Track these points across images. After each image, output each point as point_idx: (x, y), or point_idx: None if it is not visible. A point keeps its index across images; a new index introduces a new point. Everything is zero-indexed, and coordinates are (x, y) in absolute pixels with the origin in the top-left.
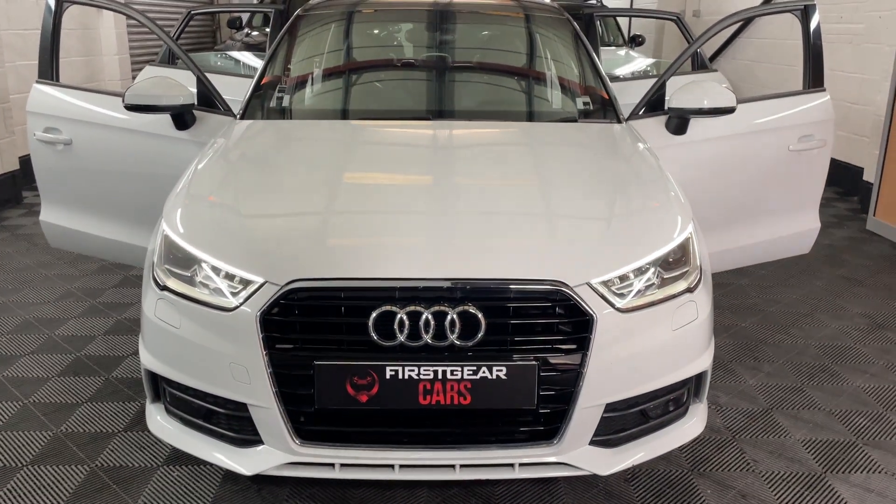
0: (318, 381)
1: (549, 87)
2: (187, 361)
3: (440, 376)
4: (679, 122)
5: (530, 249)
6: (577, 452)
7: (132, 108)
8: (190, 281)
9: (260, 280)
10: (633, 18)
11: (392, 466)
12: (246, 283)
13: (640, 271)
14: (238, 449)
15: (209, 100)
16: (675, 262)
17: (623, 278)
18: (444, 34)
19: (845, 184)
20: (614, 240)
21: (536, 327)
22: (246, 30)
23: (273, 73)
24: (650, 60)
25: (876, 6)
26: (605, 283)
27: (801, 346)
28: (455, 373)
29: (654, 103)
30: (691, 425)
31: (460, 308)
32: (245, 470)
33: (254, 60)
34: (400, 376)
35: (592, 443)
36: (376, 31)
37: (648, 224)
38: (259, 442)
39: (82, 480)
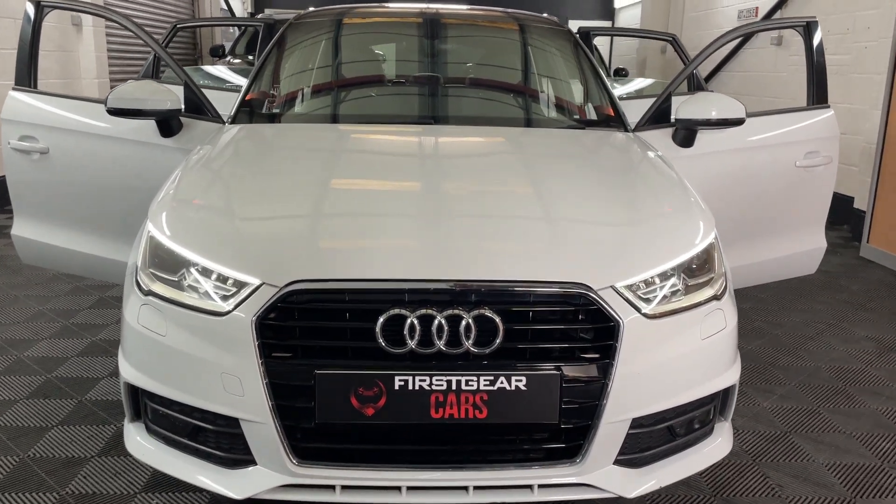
0: (319, 393)
1: (553, 95)
2: (173, 373)
3: (454, 387)
4: (686, 135)
5: (550, 251)
6: (601, 473)
7: (115, 112)
8: (177, 285)
9: (256, 282)
10: (613, 52)
11: (399, 489)
12: (240, 285)
13: (665, 276)
14: (227, 470)
15: (197, 107)
16: (699, 268)
17: (648, 283)
18: (438, 45)
19: (835, 213)
20: (637, 243)
21: (557, 334)
22: (228, 57)
23: (263, 80)
24: (648, 81)
25: (861, 37)
26: (630, 288)
27: (812, 368)
28: (471, 383)
29: (658, 117)
30: (718, 445)
31: (476, 312)
32: (235, 494)
33: (238, 78)
34: (410, 387)
35: (617, 462)
36: (369, 41)
37: (671, 228)
38: (251, 462)
39: None
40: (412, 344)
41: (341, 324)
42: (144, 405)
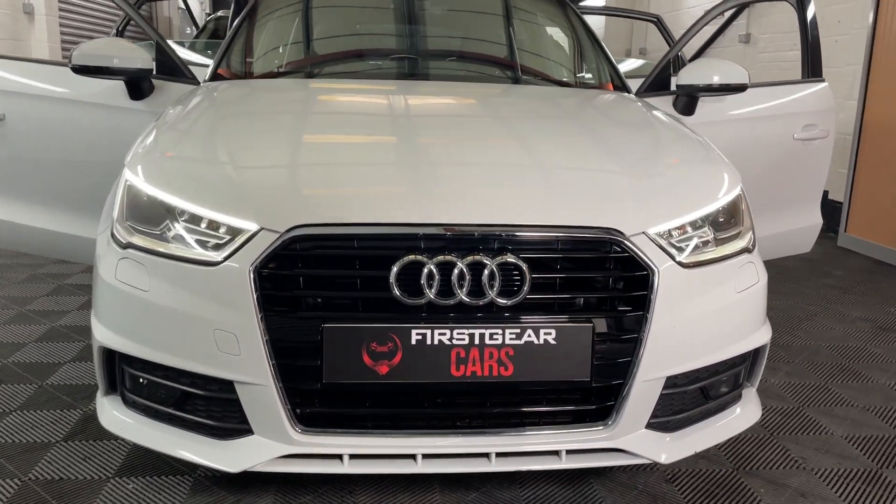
0: (327, 349)
1: (554, 55)
2: (157, 332)
3: (476, 341)
4: (687, 102)
5: (578, 195)
6: (634, 437)
7: (81, 70)
8: (160, 238)
9: (253, 227)
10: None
11: (413, 457)
12: (235, 232)
13: (696, 225)
14: (219, 442)
15: (169, 69)
16: (727, 222)
17: (680, 231)
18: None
19: None
20: (666, 190)
21: (587, 284)
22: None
23: (240, 40)
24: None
25: (831, 31)
26: (662, 235)
27: (813, 347)
28: (495, 337)
29: (657, 85)
30: (748, 411)
31: (501, 259)
32: (229, 467)
33: (202, 59)
34: (428, 341)
35: (649, 426)
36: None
37: (698, 178)
38: (247, 431)
39: (12, 496)
40: (431, 294)
41: (351, 273)
42: (122, 373)
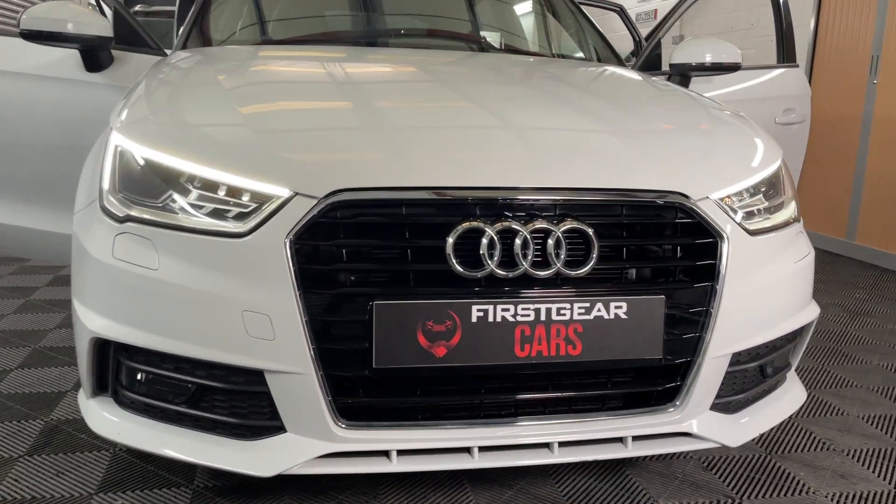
0: (378, 330)
1: (552, 30)
2: (170, 317)
3: (543, 317)
4: (680, 81)
5: (639, 156)
6: (701, 420)
7: (30, 35)
8: (165, 209)
9: (285, 193)
10: None
11: (468, 450)
12: (262, 198)
13: (752, 192)
14: (244, 443)
15: (129, 38)
16: (774, 191)
17: (739, 197)
18: None
19: None
20: (722, 154)
21: (652, 252)
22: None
23: (214, 6)
24: None
25: (765, 31)
26: (725, 201)
27: None
28: (563, 312)
29: (647, 66)
30: (796, 390)
31: (567, 225)
32: (260, 471)
33: None
34: (490, 318)
35: (714, 407)
36: None
37: (745, 145)
38: (278, 429)
39: None
40: (492, 265)
41: (399, 243)
42: (117, 368)
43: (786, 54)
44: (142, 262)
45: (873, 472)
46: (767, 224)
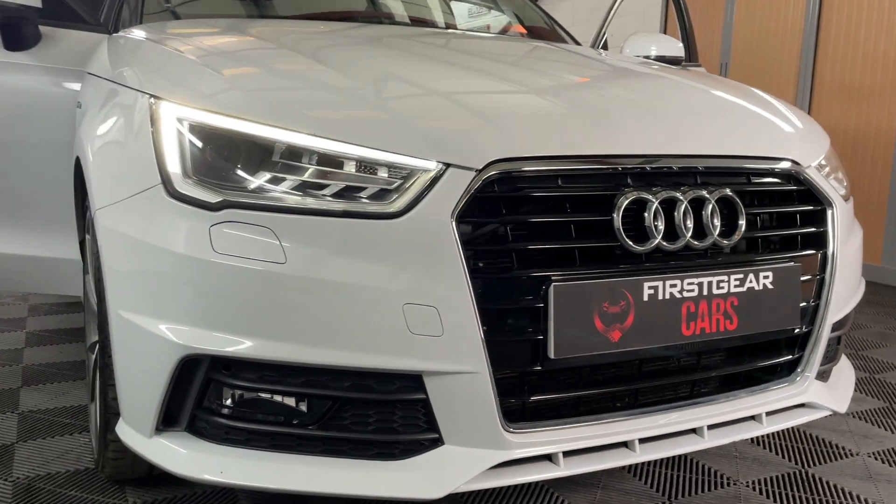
0: (557, 315)
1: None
2: (306, 319)
3: (705, 291)
4: None
5: (752, 122)
6: (814, 389)
7: None
8: (276, 192)
9: (433, 165)
10: None
11: (627, 444)
12: (405, 173)
13: (829, 159)
14: (395, 463)
15: (58, 10)
16: (833, 162)
17: (827, 163)
18: None
19: None
20: (801, 123)
21: (780, 220)
22: None
23: None
24: None
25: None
26: (820, 169)
27: None
28: (722, 285)
29: None
30: (847, 365)
31: (720, 193)
32: (430, 492)
33: None
34: (660, 296)
35: (817, 376)
36: None
37: (801, 117)
38: (433, 442)
39: None
40: (658, 238)
41: (564, 217)
42: (203, 392)
43: (690, 55)
44: (261, 256)
45: None
46: (845, 192)
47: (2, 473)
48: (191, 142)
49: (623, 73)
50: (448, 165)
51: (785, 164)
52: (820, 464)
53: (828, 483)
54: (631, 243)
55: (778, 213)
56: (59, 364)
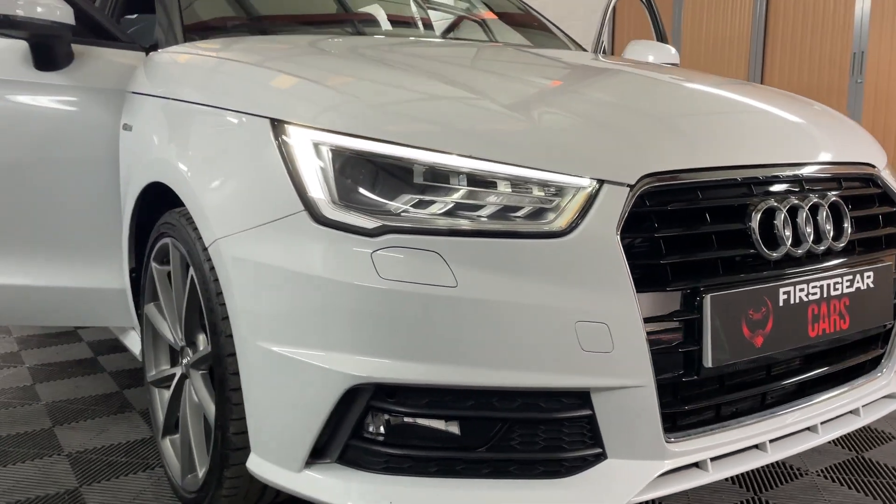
0: (712, 325)
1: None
2: (480, 342)
3: (825, 293)
4: None
5: (833, 130)
6: (893, 380)
7: None
8: (433, 214)
9: (588, 182)
10: None
11: (760, 446)
12: (557, 190)
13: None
14: (562, 481)
15: (94, 28)
16: None
17: (890, 168)
18: None
19: None
20: (862, 131)
21: (867, 222)
22: None
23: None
24: None
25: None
26: (888, 171)
27: None
28: (837, 286)
29: None
30: None
31: (830, 198)
32: None
33: None
34: (792, 300)
35: None
36: None
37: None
38: (596, 457)
39: None
40: (787, 244)
41: (709, 228)
42: (361, 421)
43: (661, 36)
44: (431, 280)
45: None
46: None
47: None
48: (334, 167)
49: (716, 85)
50: (602, 182)
51: (866, 169)
52: (871, 448)
53: (885, 465)
54: (767, 250)
55: (867, 216)
56: (82, 400)
